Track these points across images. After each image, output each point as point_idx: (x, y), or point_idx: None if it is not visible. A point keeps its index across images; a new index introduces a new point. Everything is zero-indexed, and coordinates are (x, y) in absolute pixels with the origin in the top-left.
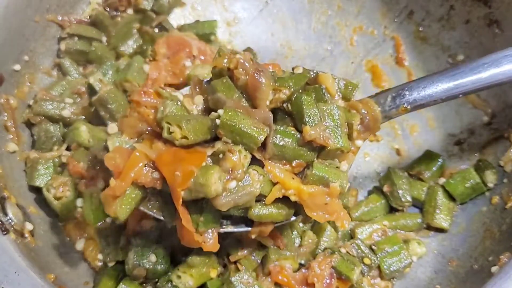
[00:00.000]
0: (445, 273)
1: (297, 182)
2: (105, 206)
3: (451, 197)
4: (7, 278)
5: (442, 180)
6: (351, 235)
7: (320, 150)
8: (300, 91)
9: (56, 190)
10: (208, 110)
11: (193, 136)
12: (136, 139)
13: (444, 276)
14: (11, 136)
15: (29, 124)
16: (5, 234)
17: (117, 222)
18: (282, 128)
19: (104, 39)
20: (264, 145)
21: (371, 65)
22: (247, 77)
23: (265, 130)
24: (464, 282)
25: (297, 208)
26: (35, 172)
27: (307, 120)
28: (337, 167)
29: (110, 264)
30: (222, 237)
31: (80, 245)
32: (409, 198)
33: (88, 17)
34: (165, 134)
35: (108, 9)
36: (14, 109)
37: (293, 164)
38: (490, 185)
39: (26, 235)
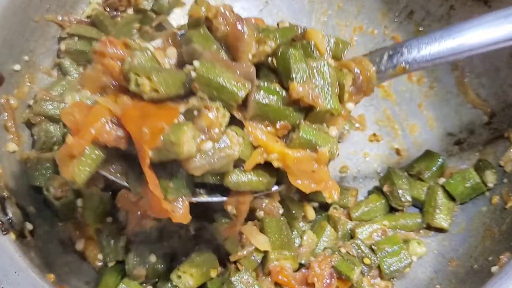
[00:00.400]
0: (445, 273)
1: (281, 146)
2: (61, 167)
3: (451, 197)
4: (7, 278)
5: (442, 180)
6: (351, 235)
7: (307, 111)
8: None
9: (56, 190)
10: (181, 64)
11: (164, 89)
12: (99, 95)
13: (444, 276)
14: (11, 136)
15: (29, 124)
16: (5, 234)
17: (74, 187)
18: (266, 85)
19: None
20: (245, 104)
21: None
22: (228, 27)
23: (246, 85)
24: (464, 282)
25: (279, 177)
26: (35, 172)
27: (294, 76)
28: (325, 132)
29: (110, 264)
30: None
31: (80, 245)
32: (409, 198)
33: (88, 17)
34: (132, 87)
35: (108, 9)
36: (14, 109)
37: (277, 126)
38: (490, 185)
39: (26, 235)
